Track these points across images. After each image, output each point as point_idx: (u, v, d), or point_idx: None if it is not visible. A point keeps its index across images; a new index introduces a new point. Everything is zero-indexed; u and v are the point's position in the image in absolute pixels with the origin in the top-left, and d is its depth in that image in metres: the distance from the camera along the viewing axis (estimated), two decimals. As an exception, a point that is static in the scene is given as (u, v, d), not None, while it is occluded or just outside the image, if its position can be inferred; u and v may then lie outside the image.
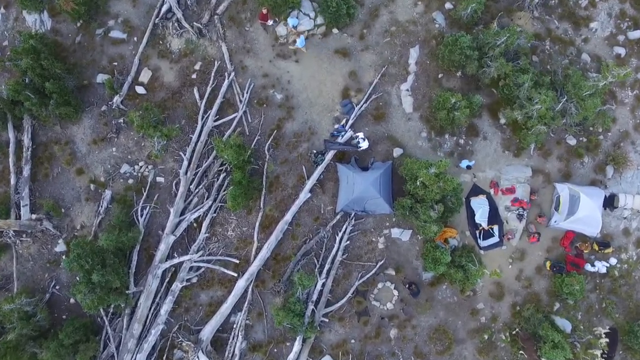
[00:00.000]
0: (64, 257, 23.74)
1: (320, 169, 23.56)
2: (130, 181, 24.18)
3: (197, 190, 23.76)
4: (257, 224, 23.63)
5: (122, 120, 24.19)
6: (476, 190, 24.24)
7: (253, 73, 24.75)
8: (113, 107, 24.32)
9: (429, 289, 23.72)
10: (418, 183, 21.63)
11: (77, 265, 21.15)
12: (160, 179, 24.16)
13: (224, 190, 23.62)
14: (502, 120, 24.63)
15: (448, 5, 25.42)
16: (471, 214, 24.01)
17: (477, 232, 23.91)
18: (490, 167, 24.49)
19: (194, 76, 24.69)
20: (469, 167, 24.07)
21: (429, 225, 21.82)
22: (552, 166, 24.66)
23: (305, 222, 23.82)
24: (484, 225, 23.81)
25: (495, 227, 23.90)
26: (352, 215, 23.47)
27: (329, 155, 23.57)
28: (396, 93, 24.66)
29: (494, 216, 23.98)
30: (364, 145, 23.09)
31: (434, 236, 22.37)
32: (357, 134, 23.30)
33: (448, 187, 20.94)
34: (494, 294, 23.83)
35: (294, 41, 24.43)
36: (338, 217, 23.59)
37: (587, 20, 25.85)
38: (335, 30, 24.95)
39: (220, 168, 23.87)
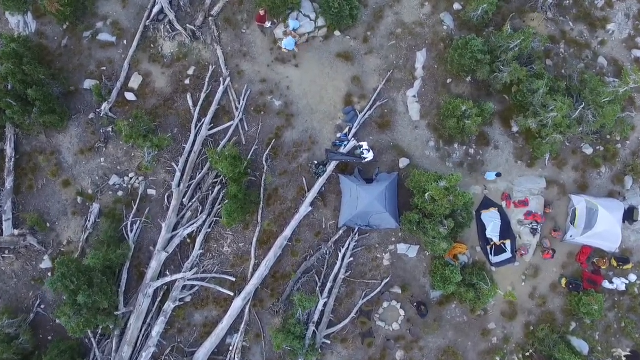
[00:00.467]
0: (49, 274, 22.36)
1: (321, 181, 22.14)
2: (120, 193, 22.74)
3: (190, 203, 22.33)
4: (255, 239, 22.22)
5: (110, 129, 22.75)
6: (487, 203, 22.84)
7: (250, 78, 23.31)
8: (101, 115, 22.86)
9: (437, 308, 22.32)
10: (427, 197, 20.22)
11: (62, 285, 19.72)
12: (151, 192, 22.74)
13: (219, 204, 22.19)
14: (515, 129, 23.22)
15: (457, 6, 23.97)
16: (482, 228, 22.61)
17: (489, 247, 22.51)
18: (502, 178, 23.05)
19: (187, 82, 23.25)
20: (498, 175, 22.68)
21: (438, 242, 20.42)
22: (567, 177, 23.25)
23: (306, 237, 22.41)
24: (496, 240, 22.41)
25: (508, 242, 22.51)
26: (356, 230, 22.06)
27: (331, 166, 22.14)
28: (402, 99, 23.22)
29: (506, 231, 22.58)
30: (369, 156, 21.67)
31: (444, 253, 20.97)
32: (361, 144, 21.87)
33: (459, 202, 19.53)
34: (506, 313, 22.44)
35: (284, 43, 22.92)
36: (341, 232, 22.18)
37: (603, 21, 24.42)
38: (337, 33, 23.51)
39: (215, 180, 22.44)
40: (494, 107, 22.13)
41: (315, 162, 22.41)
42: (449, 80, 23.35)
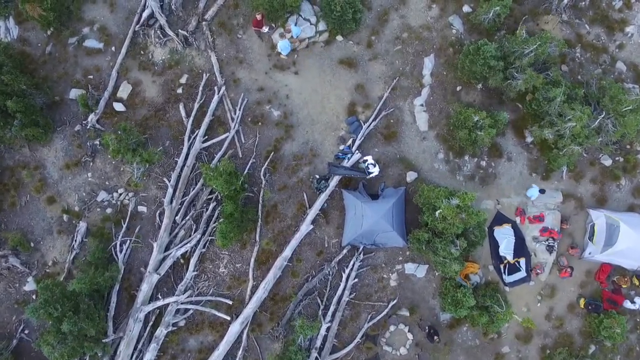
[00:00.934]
0: (33, 297, 20.96)
1: (323, 197, 20.73)
2: (109, 211, 21.31)
3: (183, 222, 20.91)
4: (253, 259, 20.80)
5: (98, 142, 21.31)
6: (500, 219, 21.43)
7: (247, 87, 21.86)
8: (88, 127, 21.43)
9: (448, 331, 20.93)
10: (437, 215, 18.82)
11: (45, 313, 18.32)
12: (142, 209, 21.31)
13: (215, 222, 20.76)
14: (529, 139, 21.81)
15: (466, 9, 22.53)
16: (495, 245, 21.22)
17: (502, 266, 21.12)
18: (516, 192, 21.67)
19: (179, 91, 21.80)
20: (542, 192, 21.26)
21: (449, 263, 19.02)
22: (585, 190, 21.85)
23: (307, 257, 20.99)
24: (509, 258, 21.02)
25: (522, 260, 21.11)
26: (361, 249, 20.67)
27: (334, 181, 20.72)
28: (409, 109, 21.80)
29: (520, 248, 21.18)
30: (375, 171, 20.26)
31: (455, 275, 19.58)
32: (365, 159, 20.44)
33: (472, 221, 18.12)
34: (521, 336, 21.05)
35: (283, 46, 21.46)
36: (344, 251, 20.77)
37: (621, 23, 22.99)
38: (339, 38, 22.06)
39: (210, 196, 21.01)
40: (508, 117, 20.67)
41: (317, 177, 20.98)
42: (458, 88, 21.92)
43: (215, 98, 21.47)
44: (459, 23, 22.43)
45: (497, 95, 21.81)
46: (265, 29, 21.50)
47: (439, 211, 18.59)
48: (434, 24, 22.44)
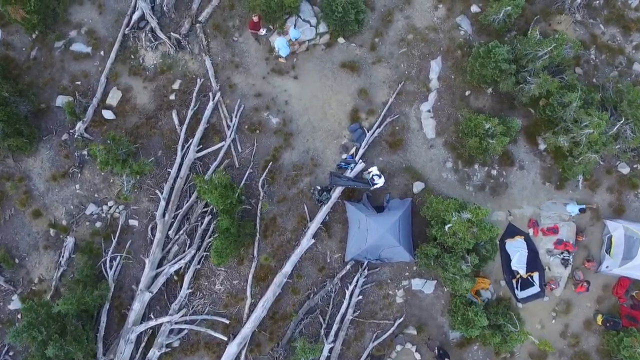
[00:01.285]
0: (18, 316, 19.80)
1: (325, 209, 19.56)
2: (98, 225, 20.13)
3: (177, 236, 19.71)
4: (251, 276, 19.63)
5: (86, 152, 20.09)
6: (512, 231, 20.28)
7: (243, 92, 20.68)
8: (75, 136, 20.23)
9: (458, 350, 19.77)
10: (447, 229, 17.66)
11: (28, 336, 17.18)
12: (133, 222, 20.13)
13: (210, 237, 19.58)
14: (542, 146, 20.65)
15: (474, 9, 21.35)
16: (506, 259, 20.07)
17: (514, 281, 19.98)
18: (528, 202, 20.51)
19: (172, 97, 20.61)
20: (582, 211, 20.15)
21: (460, 280, 17.87)
22: (601, 199, 20.68)
23: (308, 273, 19.82)
24: (522, 272, 19.86)
25: (536, 275, 19.96)
26: (365, 264, 19.50)
27: (336, 192, 19.56)
28: (415, 115, 20.62)
29: (533, 262, 20.03)
30: (380, 182, 19.06)
31: (466, 293, 18.43)
32: (370, 169, 19.25)
33: (485, 236, 16.96)
34: (535, 355, 19.90)
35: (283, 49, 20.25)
36: (348, 267, 19.60)
37: (638, 23, 21.80)
38: (341, 40, 20.87)
39: (205, 209, 19.82)
40: (521, 124, 19.47)
41: (318, 188, 19.80)
42: (467, 93, 20.75)
43: (210, 105, 20.28)
44: (467, 24, 21.25)
45: (508, 100, 20.64)
46: (262, 31, 20.30)
47: (449, 225, 17.43)
48: (440, 25, 21.26)
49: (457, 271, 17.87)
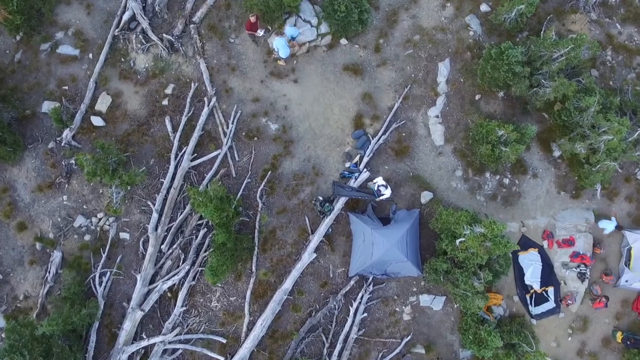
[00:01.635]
0: (2, 335, 18.65)
1: (328, 221, 18.44)
2: (87, 238, 18.98)
3: (170, 251, 18.58)
4: (249, 292, 18.49)
5: (74, 161, 18.94)
6: (526, 243, 19.16)
7: (240, 97, 19.54)
8: (62, 144, 19.08)
9: (469, 370, 18.70)
10: (458, 244, 16.54)
11: (10, 360, 16.08)
12: (124, 235, 18.98)
13: (206, 251, 18.45)
14: (556, 153, 19.52)
15: (484, 8, 20.23)
16: (520, 273, 18.97)
17: (528, 296, 18.87)
18: (542, 212, 19.39)
19: (165, 102, 19.46)
20: (618, 227, 19.07)
21: (472, 297, 16.76)
22: (619, 209, 19.57)
23: (310, 289, 18.69)
24: (536, 287, 18.77)
25: (551, 290, 18.86)
26: (370, 280, 18.38)
27: (339, 203, 18.43)
28: (423, 120, 19.49)
29: (548, 276, 18.95)
30: (386, 193, 17.91)
31: (478, 311, 17.31)
32: (375, 180, 18.11)
33: (499, 251, 15.82)
34: (550, 374, 18.84)
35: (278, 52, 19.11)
36: (352, 282, 18.48)
37: (656, 23, 20.73)
38: (344, 41, 19.73)
39: (200, 222, 18.68)
40: (536, 130, 18.32)
41: (320, 199, 18.65)
42: (477, 97, 19.62)
43: (205, 110, 19.14)
44: (477, 24, 20.11)
45: (521, 104, 19.51)
46: (260, 32, 19.14)
47: (460, 240, 16.31)
48: (448, 25, 20.12)
49: (469, 288, 16.75)
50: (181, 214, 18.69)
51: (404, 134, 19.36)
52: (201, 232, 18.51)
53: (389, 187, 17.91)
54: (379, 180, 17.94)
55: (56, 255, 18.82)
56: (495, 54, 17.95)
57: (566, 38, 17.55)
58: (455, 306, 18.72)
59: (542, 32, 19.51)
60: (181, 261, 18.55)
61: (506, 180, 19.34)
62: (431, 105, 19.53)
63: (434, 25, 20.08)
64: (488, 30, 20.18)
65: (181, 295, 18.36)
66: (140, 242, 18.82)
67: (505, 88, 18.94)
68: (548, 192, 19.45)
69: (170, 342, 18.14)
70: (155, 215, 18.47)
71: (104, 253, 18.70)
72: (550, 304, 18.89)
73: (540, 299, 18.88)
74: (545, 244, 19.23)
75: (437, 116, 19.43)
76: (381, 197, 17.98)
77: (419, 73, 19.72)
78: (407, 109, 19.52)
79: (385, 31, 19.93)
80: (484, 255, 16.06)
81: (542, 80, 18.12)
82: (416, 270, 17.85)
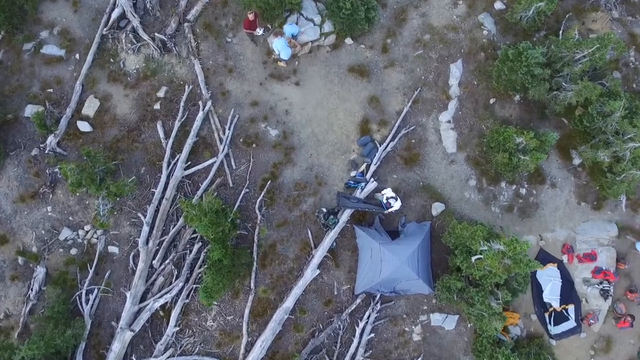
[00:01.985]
0: (-17, 358, 17.36)
1: (332, 235, 17.13)
2: (73, 252, 17.67)
3: (162, 266, 17.27)
4: (247, 311, 17.17)
5: (58, 170, 17.63)
6: (544, 258, 17.88)
7: (238, 101, 18.23)
8: (46, 152, 17.75)
9: (483, 394, 17.39)
10: (473, 261, 15.24)
11: (-13, 388, 14.80)
12: (113, 249, 17.66)
13: (200, 267, 17.13)
14: (576, 161, 18.24)
15: (498, 5, 18.94)
16: (538, 290, 17.70)
17: (547, 314, 17.60)
18: (562, 224, 18.11)
19: (157, 106, 18.15)
20: None
21: (488, 318, 15.46)
22: (643, 221, 18.34)
23: (313, 307, 17.38)
24: (556, 305, 17.51)
25: (571, 308, 17.60)
26: (378, 298, 17.09)
27: (344, 215, 17.13)
28: (434, 126, 18.19)
29: (568, 293, 17.68)
30: (396, 205, 16.62)
31: (495, 333, 16.01)
32: (383, 192, 16.80)
33: (521, 270, 14.51)
34: (570, 398, 17.57)
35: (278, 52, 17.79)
36: (358, 300, 17.17)
37: (682, 21, 19.45)
38: (349, 41, 18.43)
39: (194, 235, 17.35)
40: (557, 137, 17.00)
41: (324, 210, 17.34)
42: (492, 101, 18.32)
43: (200, 115, 17.82)
44: (491, 22, 18.81)
45: (538, 109, 18.23)
46: (259, 31, 17.82)
47: (476, 257, 15.01)
48: (460, 23, 18.82)
49: (486, 308, 15.46)
50: (174, 226, 17.34)
51: (413, 141, 18.04)
52: (195, 247, 17.17)
53: (398, 199, 16.61)
54: (388, 192, 16.64)
55: (39, 271, 17.50)
56: (512, 55, 16.65)
57: (587, 38, 16.26)
58: (469, 325, 17.43)
59: (560, 32, 18.27)
60: (174, 278, 17.21)
61: (523, 191, 18.05)
62: (442, 109, 18.23)
63: (445, 24, 18.78)
64: (503, 30, 18.88)
65: (174, 314, 17.04)
66: (130, 256, 17.49)
67: (522, 91, 17.65)
68: (568, 203, 18.16)
69: (162, 365, 16.87)
70: (146, 228, 17.14)
71: (91, 268, 17.38)
72: (570, 323, 17.63)
73: (560, 317, 17.61)
74: (564, 258, 17.94)
75: (449, 121, 18.13)
76: (390, 210, 16.68)
77: (430, 75, 18.41)
78: (417, 113, 18.20)
79: (393, 30, 18.63)
80: (503, 274, 14.77)
81: (563, 83, 16.84)
82: (427, 288, 16.54)
